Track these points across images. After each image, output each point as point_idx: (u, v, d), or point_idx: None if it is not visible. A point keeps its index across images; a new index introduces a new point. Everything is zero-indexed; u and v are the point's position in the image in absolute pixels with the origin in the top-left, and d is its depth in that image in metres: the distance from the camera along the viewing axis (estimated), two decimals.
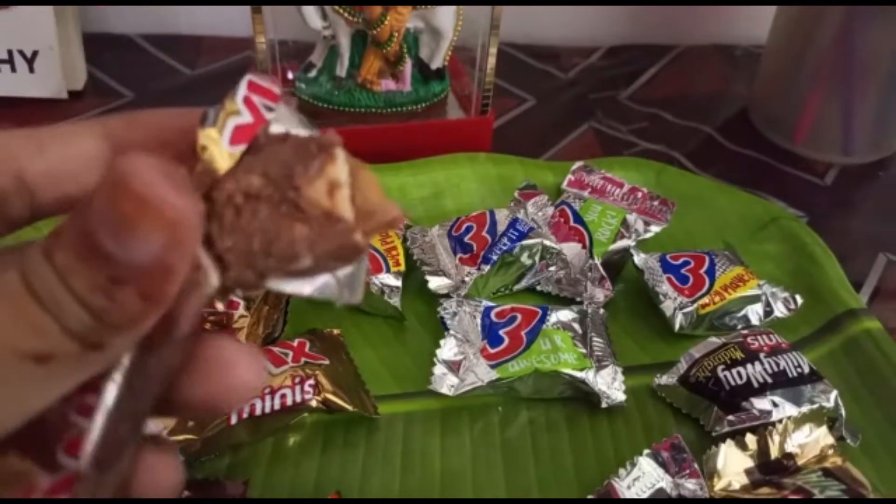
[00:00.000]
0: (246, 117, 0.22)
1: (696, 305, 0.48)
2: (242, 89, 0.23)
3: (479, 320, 0.46)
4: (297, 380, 0.41)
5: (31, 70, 0.65)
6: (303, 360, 0.42)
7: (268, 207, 0.21)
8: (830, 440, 0.40)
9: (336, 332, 0.46)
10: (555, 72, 0.78)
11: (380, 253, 0.49)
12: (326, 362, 0.43)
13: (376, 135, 0.60)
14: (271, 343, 0.44)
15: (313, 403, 0.41)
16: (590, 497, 0.38)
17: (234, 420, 0.38)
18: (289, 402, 0.40)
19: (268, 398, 0.39)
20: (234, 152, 0.21)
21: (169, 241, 0.17)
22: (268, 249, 0.20)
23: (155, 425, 0.37)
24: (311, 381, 0.41)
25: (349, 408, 0.41)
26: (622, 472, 0.38)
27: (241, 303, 0.45)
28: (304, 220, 0.21)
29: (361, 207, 0.22)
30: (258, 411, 0.39)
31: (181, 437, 0.37)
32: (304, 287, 0.22)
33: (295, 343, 0.43)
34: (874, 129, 0.67)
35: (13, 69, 0.65)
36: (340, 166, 0.22)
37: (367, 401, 0.43)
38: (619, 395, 0.44)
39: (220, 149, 0.21)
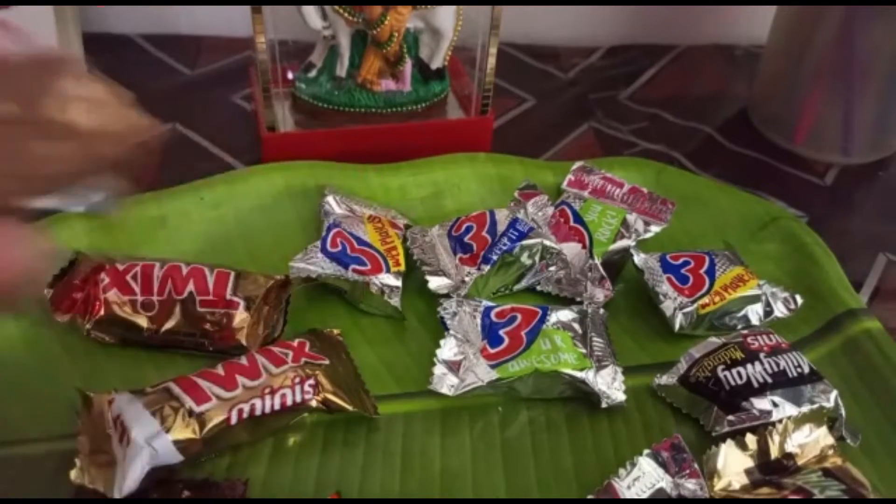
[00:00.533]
0: None
1: (696, 305, 0.48)
2: None
3: (479, 320, 0.46)
4: (297, 380, 0.40)
5: None
6: (303, 360, 0.42)
7: (12, 130, 0.21)
8: (830, 440, 0.40)
9: (336, 331, 0.46)
10: (555, 72, 0.78)
11: (380, 253, 0.49)
12: (326, 362, 0.43)
13: (376, 135, 0.60)
14: (271, 343, 0.44)
15: (313, 403, 0.41)
16: (590, 497, 0.38)
17: (234, 420, 0.38)
18: (289, 401, 0.40)
19: (268, 398, 0.39)
20: None
21: None
22: (15, 168, 0.21)
23: (154, 426, 0.37)
24: (311, 381, 0.41)
25: (349, 408, 0.41)
26: (622, 472, 0.38)
27: (241, 303, 0.45)
28: (44, 136, 0.21)
29: (111, 122, 0.24)
30: (258, 411, 0.39)
31: (182, 437, 0.37)
32: (58, 201, 0.23)
33: (295, 343, 0.43)
34: (874, 129, 0.67)
35: None
36: (75, 83, 0.23)
37: (367, 401, 0.43)
38: (619, 395, 0.44)
39: None
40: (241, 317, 0.45)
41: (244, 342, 0.44)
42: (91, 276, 0.45)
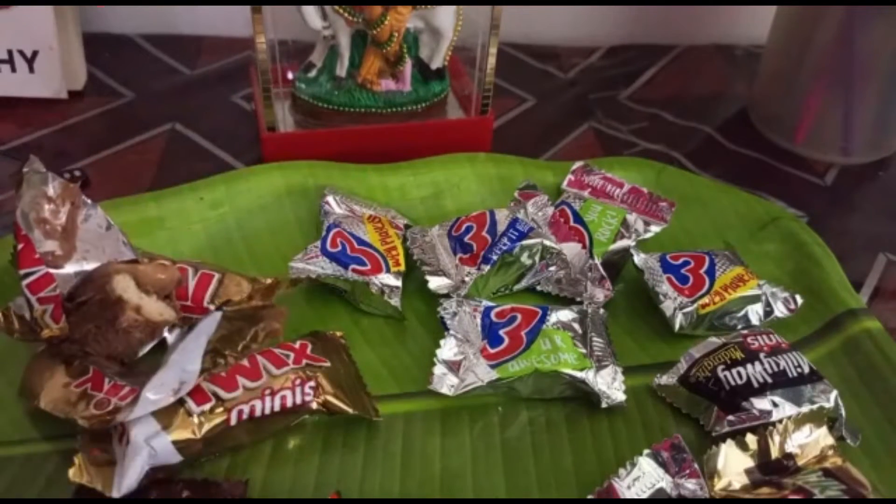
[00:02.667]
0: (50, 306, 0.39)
1: (696, 305, 0.48)
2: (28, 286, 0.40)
3: (479, 320, 0.46)
4: (297, 381, 0.40)
5: (31, 70, 0.65)
6: (304, 361, 0.42)
7: (109, 334, 0.39)
8: (830, 440, 0.40)
9: (339, 333, 0.46)
10: (555, 72, 0.78)
11: (380, 253, 0.49)
12: (327, 364, 0.42)
13: (376, 135, 0.60)
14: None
15: (313, 405, 0.41)
16: (590, 497, 0.38)
17: (234, 421, 0.38)
18: (289, 403, 0.40)
19: (268, 399, 0.39)
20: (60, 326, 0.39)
21: None
22: (131, 350, 0.40)
23: (153, 426, 0.37)
24: (312, 383, 0.41)
25: (349, 410, 0.41)
26: (622, 472, 0.38)
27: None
28: (138, 330, 0.39)
29: (156, 288, 0.40)
30: (258, 412, 0.39)
31: (181, 437, 0.37)
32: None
33: (296, 344, 0.43)
34: (874, 129, 0.67)
35: (13, 69, 0.65)
36: (133, 291, 0.38)
37: (368, 403, 0.43)
38: (619, 395, 0.44)
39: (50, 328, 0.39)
40: None
41: None
42: None
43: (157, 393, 0.36)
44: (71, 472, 0.36)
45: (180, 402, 0.38)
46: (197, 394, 0.38)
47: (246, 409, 0.39)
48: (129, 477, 0.36)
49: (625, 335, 0.49)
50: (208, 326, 0.38)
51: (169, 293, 0.40)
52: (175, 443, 0.37)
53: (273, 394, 0.40)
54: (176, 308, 0.40)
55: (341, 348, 0.45)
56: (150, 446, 0.36)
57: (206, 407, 0.38)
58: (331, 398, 0.41)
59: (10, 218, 0.51)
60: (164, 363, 0.37)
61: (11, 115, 0.65)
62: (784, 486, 0.38)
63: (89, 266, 0.39)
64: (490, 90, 0.60)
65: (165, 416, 0.37)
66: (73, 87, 0.68)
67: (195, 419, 0.38)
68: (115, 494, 0.36)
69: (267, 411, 0.39)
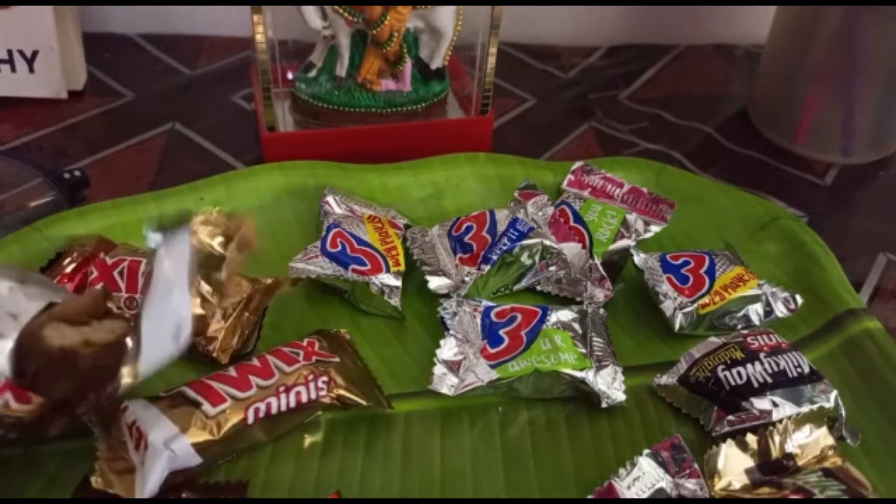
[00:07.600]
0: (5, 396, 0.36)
1: (696, 305, 0.48)
2: None
3: (479, 320, 0.46)
4: (310, 377, 0.41)
5: (31, 70, 0.65)
6: (314, 358, 0.42)
7: (79, 378, 0.35)
8: (830, 440, 0.40)
9: (344, 331, 0.46)
10: (555, 72, 0.78)
11: (380, 253, 0.49)
12: (337, 360, 0.43)
13: (376, 135, 0.60)
14: (242, 358, 0.43)
15: (327, 400, 0.41)
16: (590, 497, 0.38)
17: (251, 419, 0.38)
18: (304, 398, 0.40)
19: (283, 396, 0.39)
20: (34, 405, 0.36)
21: None
22: (114, 382, 0.35)
23: (171, 428, 0.37)
24: (325, 378, 0.41)
25: (363, 402, 0.41)
26: (622, 472, 0.38)
27: (218, 311, 0.44)
28: (102, 358, 0.35)
29: (89, 315, 0.35)
30: (274, 409, 0.39)
31: (200, 439, 0.37)
32: None
33: (305, 343, 0.43)
34: (874, 129, 0.67)
35: (13, 69, 0.65)
36: (69, 332, 0.34)
37: (381, 395, 0.43)
38: (619, 395, 0.44)
39: None
40: (215, 326, 0.44)
41: (214, 354, 0.43)
42: (82, 266, 0.45)
43: (156, 343, 0.35)
44: (93, 480, 0.35)
45: (196, 405, 0.38)
46: (212, 395, 0.38)
47: (262, 406, 0.39)
48: (151, 482, 0.35)
49: (625, 335, 0.49)
50: (182, 255, 0.36)
51: (107, 310, 0.36)
52: (194, 445, 0.37)
53: (288, 390, 0.40)
54: (122, 315, 0.37)
55: (347, 344, 0.45)
56: (169, 449, 0.36)
57: (222, 407, 0.38)
58: (344, 392, 0.41)
59: (10, 218, 0.52)
60: (145, 300, 0.36)
61: (11, 115, 0.65)
62: (784, 486, 0.38)
63: (7, 343, 0.34)
64: (490, 90, 0.60)
65: (182, 418, 0.37)
66: (72, 87, 0.68)
67: (212, 420, 0.37)
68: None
69: (283, 408, 0.39)
